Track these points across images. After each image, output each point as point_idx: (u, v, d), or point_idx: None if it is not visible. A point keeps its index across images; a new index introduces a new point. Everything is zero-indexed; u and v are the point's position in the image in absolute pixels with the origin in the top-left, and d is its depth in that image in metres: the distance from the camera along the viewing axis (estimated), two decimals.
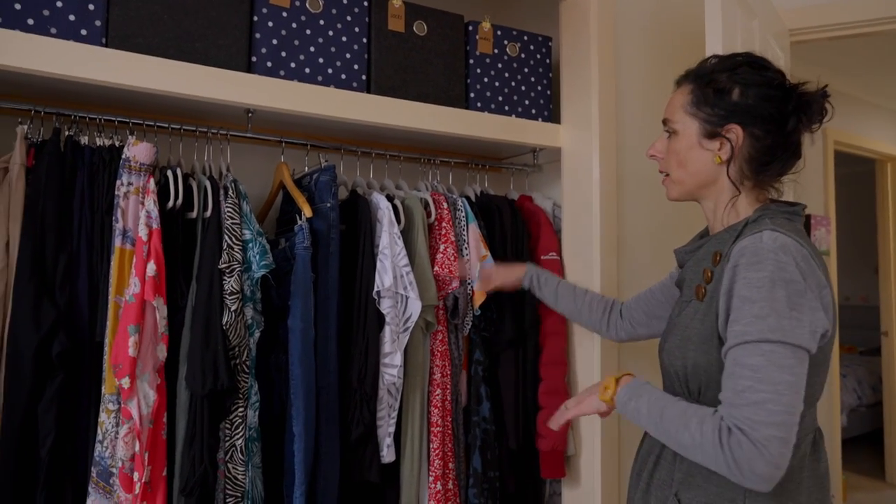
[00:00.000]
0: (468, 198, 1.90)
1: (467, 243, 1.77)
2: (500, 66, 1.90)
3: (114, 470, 1.33)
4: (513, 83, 1.92)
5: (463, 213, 1.80)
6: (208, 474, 1.37)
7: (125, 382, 1.29)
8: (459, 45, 1.83)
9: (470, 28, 1.86)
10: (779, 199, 1.10)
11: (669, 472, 1.04)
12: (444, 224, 1.75)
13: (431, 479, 1.67)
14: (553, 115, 1.99)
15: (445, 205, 1.78)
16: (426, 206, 1.76)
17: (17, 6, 1.29)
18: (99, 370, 1.35)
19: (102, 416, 1.33)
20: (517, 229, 1.90)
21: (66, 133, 1.41)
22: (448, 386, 1.72)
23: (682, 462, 1.03)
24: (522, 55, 1.94)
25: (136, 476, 1.31)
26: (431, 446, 1.69)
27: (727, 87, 1.06)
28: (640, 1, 1.99)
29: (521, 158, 2.15)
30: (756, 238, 0.96)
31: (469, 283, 1.75)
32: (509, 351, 1.82)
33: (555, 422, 1.18)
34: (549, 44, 2.00)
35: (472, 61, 1.86)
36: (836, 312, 1.00)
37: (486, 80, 1.87)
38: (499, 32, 1.90)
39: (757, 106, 1.04)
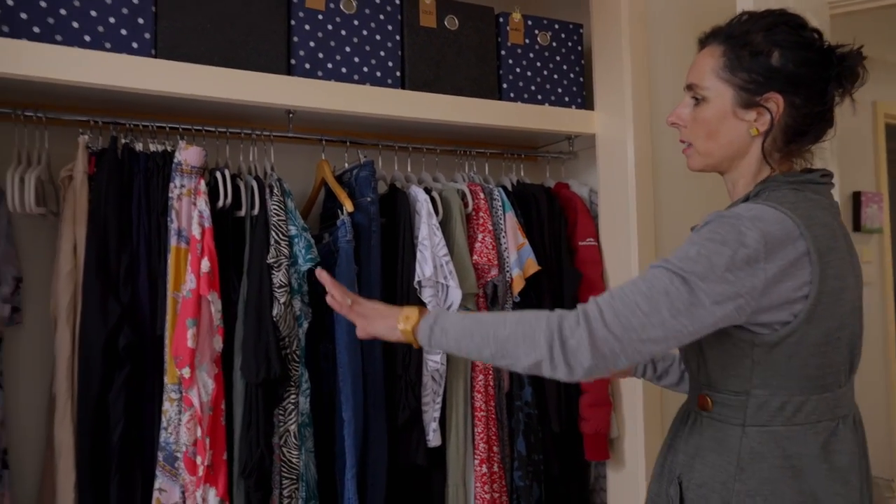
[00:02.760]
0: (505, 187, 1.94)
1: (505, 232, 1.81)
2: (531, 55, 1.92)
3: (178, 454, 1.42)
4: (545, 72, 1.94)
5: (500, 203, 1.83)
6: (265, 458, 1.45)
7: (185, 372, 1.38)
8: (491, 37, 1.86)
9: (500, 20, 1.89)
10: (805, 167, 1.03)
11: (676, 455, 1.04)
12: (481, 214, 1.79)
13: (477, 461, 1.72)
14: (586, 102, 2.00)
15: (482, 195, 1.82)
16: (463, 196, 1.80)
17: (75, 24, 1.39)
18: (161, 361, 1.45)
19: (166, 405, 1.42)
20: (554, 216, 1.92)
21: (123, 141, 1.50)
22: (490, 371, 1.77)
23: (686, 445, 1.02)
24: (553, 44, 1.96)
25: (198, 460, 1.40)
26: (476, 430, 1.74)
27: (765, 49, 0.96)
28: None
29: (557, 146, 2.16)
30: (736, 207, 0.94)
31: (508, 271, 1.79)
32: None
33: (334, 293, 1.10)
34: (581, 31, 2.01)
35: (503, 52, 1.89)
36: (850, 285, 0.94)
37: (518, 70, 1.90)
38: (529, 22, 1.92)
39: (798, 72, 0.95)
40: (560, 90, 1.96)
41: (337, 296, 1.09)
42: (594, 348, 0.86)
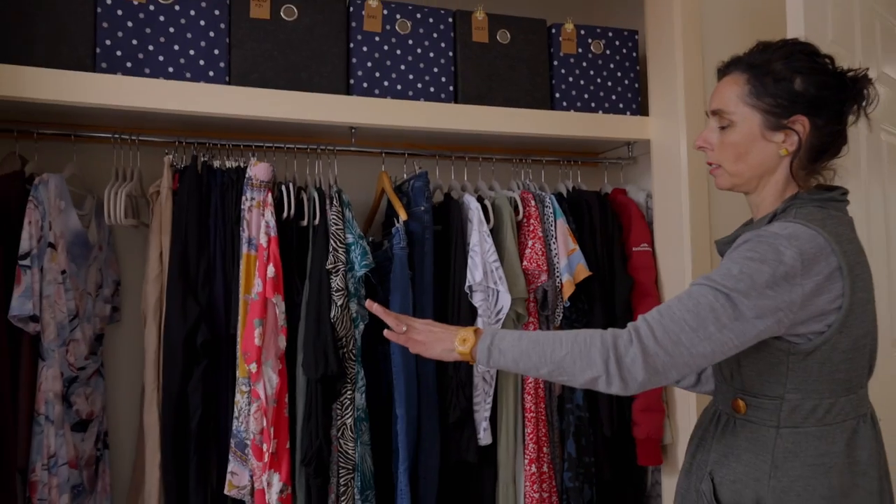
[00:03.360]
0: (560, 194, 1.98)
1: (555, 238, 1.85)
2: (584, 64, 1.95)
3: (247, 441, 1.57)
4: (598, 80, 1.97)
5: (551, 210, 1.88)
6: (323, 448, 1.58)
7: (253, 367, 1.53)
8: (543, 48, 1.91)
9: (553, 31, 1.94)
10: (823, 183, 1.08)
11: (707, 453, 1.08)
12: (531, 221, 1.85)
13: (526, 461, 1.78)
14: (642, 108, 2.01)
15: (533, 202, 1.87)
16: (514, 204, 1.87)
17: (161, 58, 1.57)
18: (234, 357, 1.61)
19: (237, 396, 1.58)
20: (606, 223, 1.94)
21: (202, 159, 1.68)
22: None
23: (718, 444, 1.06)
24: (607, 51, 1.98)
25: (264, 447, 1.55)
26: (526, 431, 1.79)
27: (787, 75, 1.03)
28: None
29: (616, 152, 2.18)
30: (770, 225, 0.98)
31: (558, 277, 1.83)
32: None
33: (389, 322, 1.14)
34: (635, 37, 2.02)
35: (556, 63, 1.93)
36: (873, 296, 1.00)
37: (570, 79, 1.94)
38: (582, 32, 1.96)
39: (820, 95, 1.02)
40: (614, 97, 1.98)
41: (391, 324, 1.14)
42: (647, 364, 0.93)
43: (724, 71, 1.12)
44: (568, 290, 1.81)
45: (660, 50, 1.92)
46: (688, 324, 0.93)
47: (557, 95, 1.93)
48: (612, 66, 1.98)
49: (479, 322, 1.72)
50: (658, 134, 1.94)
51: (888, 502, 1.01)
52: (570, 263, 1.83)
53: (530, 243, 1.82)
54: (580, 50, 1.95)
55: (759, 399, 1.03)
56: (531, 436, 1.78)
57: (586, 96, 1.95)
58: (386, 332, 1.16)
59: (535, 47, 1.90)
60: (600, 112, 1.96)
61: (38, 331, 1.46)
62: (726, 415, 1.08)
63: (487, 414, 1.74)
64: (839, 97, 1.03)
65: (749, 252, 0.95)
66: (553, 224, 1.86)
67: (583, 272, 1.83)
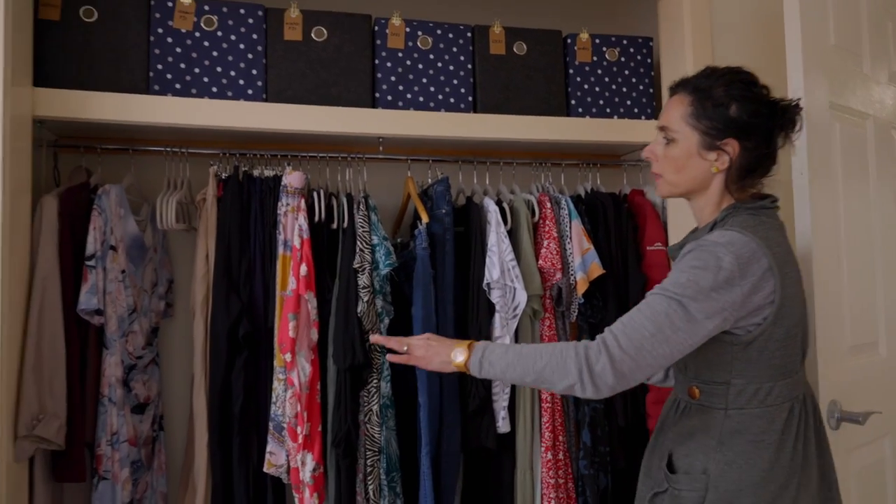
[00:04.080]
0: (578, 196, 2.08)
1: (570, 238, 1.95)
2: (599, 72, 2.05)
3: (284, 425, 1.73)
4: (613, 86, 2.05)
5: (566, 211, 1.98)
6: (351, 432, 1.73)
7: (288, 357, 1.69)
8: (558, 57, 2.02)
9: (568, 41, 2.04)
10: (758, 192, 1.21)
11: (667, 434, 1.21)
12: (547, 222, 1.95)
13: (543, 448, 1.89)
14: (657, 112, 2.08)
15: (549, 204, 1.98)
16: (531, 206, 1.97)
17: (205, 79, 1.75)
18: (271, 348, 1.77)
19: (275, 384, 1.74)
20: (621, 223, 2.03)
21: (243, 169, 1.85)
22: None
23: (676, 426, 1.19)
24: (622, 59, 2.07)
25: (298, 430, 1.70)
26: (542, 420, 1.90)
27: (724, 101, 1.16)
28: None
29: (635, 154, 2.26)
30: (710, 234, 1.12)
31: (572, 275, 1.93)
32: None
33: (389, 345, 1.27)
34: (650, 44, 2.10)
35: (571, 71, 2.03)
36: (801, 289, 1.14)
37: (585, 87, 2.03)
38: (597, 41, 2.05)
39: (751, 122, 1.15)
40: (629, 102, 2.07)
41: (393, 347, 1.27)
42: (615, 370, 1.06)
43: (674, 90, 1.25)
44: (582, 287, 1.91)
45: (672, 56, 2.00)
46: (647, 330, 1.06)
47: (573, 102, 2.02)
48: (626, 72, 2.07)
49: (497, 318, 1.84)
50: None
51: (801, 476, 1.11)
52: (584, 262, 1.93)
53: (545, 243, 1.93)
54: (595, 58, 2.05)
55: (709, 385, 1.16)
56: (547, 425, 1.89)
57: (601, 102, 2.04)
58: (389, 357, 1.29)
59: (550, 57, 2.00)
60: (615, 117, 2.05)
61: (102, 323, 1.66)
62: (684, 402, 1.22)
63: (506, 403, 1.86)
64: (769, 124, 1.16)
65: (693, 261, 1.08)
66: (568, 225, 1.96)
67: (597, 270, 1.92)
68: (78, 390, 1.61)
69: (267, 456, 1.74)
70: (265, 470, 1.73)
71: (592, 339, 1.97)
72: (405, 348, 1.26)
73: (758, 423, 1.11)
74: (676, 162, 1.20)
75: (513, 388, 1.88)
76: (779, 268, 1.09)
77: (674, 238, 2.01)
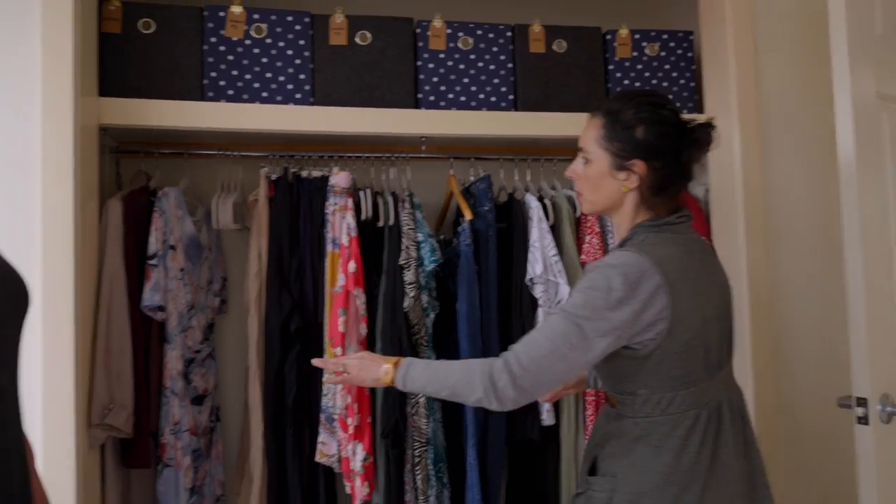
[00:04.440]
0: None
1: (612, 233, 1.97)
2: (639, 67, 2.05)
3: (335, 416, 1.80)
4: (654, 81, 2.06)
5: None
6: (399, 423, 1.79)
7: (338, 351, 1.75)
8: (598, 54, 2.03)
9: (608, 37, 2.05)
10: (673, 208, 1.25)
11: (594, 441, 1.29)
12: (589, 217, 1.97)
13: (587, 441, 1.91)
14: (698, 106, 2.08)
15: None
16: (572, 202, 2.00)
17: (256, 85, 1.82)
18: (322, 342, 1.84)
19: (325, 376, 1.81)
20: None
21: (292, 170, 1.92)
22: None
23: (601, 432, 1.27)
24: (662, 53, 2.07)
25: (349, 421, 1.77)
26: (586, 413, 1.93)
27: (632, 124, 1.21)
28: None
29: None
30: (606, 256, 1.22)
31: None
32: None
33: (328, 368, 1.35)
34: (691, 38, 2.09)
35: (611, 67, 2.04)
36: (702, 303, 1.18)
37: (626, 82, 2.04)
38: (637, 36, 2.06)
39: (657, 143, 1.21)
40: (671, 96, 2.05)
41: (332, 369, 1.35)
42: (515, 386, 1.14)
43: (592, 113, 1.29)
44: None
45: (714, 50, 1.99)
46: (545, 348, 1.15)
47: None
48: (667, 67, 2.07)
49: (540, 312, 1.87)
50: None
51: (707, 478, 1.15)
52: None
53: (588, 238, 1.95)
54: (635, 53, 2.05)
55: (622, 396, 1.22)
56: (591, 418, 1.91)
57: None
58: (326, 378, 1.38)
59: (590, 54, 2.02)
60: None
61: (164, 319, 1.75)
62: (608, 409, 1.30)
63: None
64: (676, 145, 1.21)
65: (588, 282, 1.17)
66: (610, 219, 1.98)
67: None
68: (143, 382, 1.71)
69: (319, 446, 1.81)
70: (317, 459, 1.81)
71: None
72: (341, 368, 1.33)
73: (660, 430, 1.17)
74: (592, 181, 1.27)
75: None
76: (671, 285, 1.14)
77: (717, 231, 2.00)
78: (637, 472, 1.17)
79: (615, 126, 1.23)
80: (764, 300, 1.92)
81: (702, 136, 1.22)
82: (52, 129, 1.50)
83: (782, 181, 1.96)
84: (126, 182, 1.92)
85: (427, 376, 1.24)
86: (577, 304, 1.15)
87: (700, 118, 1.24)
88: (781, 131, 1.96)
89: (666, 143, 1.21)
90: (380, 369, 1.28)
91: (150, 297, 1.69)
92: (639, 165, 1.21)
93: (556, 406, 1.92)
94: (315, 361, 1.38)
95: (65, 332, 1.48)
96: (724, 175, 1.96)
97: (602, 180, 1.25)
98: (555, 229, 1.96)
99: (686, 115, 1.26)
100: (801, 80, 1.99)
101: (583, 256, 1.94)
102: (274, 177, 1.92)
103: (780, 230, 1.95)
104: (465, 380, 1.19)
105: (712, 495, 1.15)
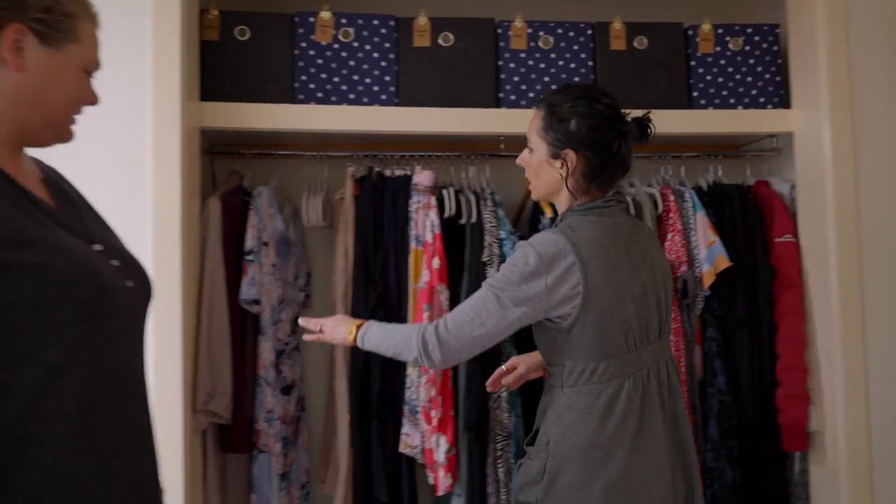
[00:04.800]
0: (701, 188, 2.07)
1: (695, 230, 1.95)
2: (722, 62, 2.03)
3: (418, 408, 1.85)
4: (737, 76, 2.03)
5: (690, 204, 1.97)
6: (481, 417, 1.82)
7: None
8: (679, 50, 2.01)
9: (689, 32, 2.03)
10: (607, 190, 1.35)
11: (539, 413, 1.38)
12: (671, 215, 1.96)
13: None
14: (784, 100, 2.03)
15: (672, 197, 1.98)
16: (654, 200, 1.99)
17: (344, 87, 1.89)
18: None
19: (409, 370, 1.86)
20: (747, 215, 2.00)
21: (376, 169, 1.98)
22: (682, 358, 1.92)
23: (541, 405, 1.36)
24: (747, 47, 2.03)
25: (432, 413, 1.81)
26: None
27: (567, 117, 1.31)
28: None
29: (760, 144, 2.21)
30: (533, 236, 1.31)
31: (698, 267, 1.92)
32: (743, 328, 1.95)
33: (309, 327, 1.49)
34: (776, 31, 2.05)
35: (693, 63, 2.02)
36: (620, 278, 1.26)
37: (708, 77, 2.02)
38: (720, 31, 2.03)
39: (587, 135, 1.30)
40: (755, 92, 2.03)
41: (311, 327, 1.49)
42: (442, 348, 1.29)
43: (537, 105, 1.39)
44: (708, 280, 1.90)
45: (802, 42, 1.94)
46: (468, 315, 1.29)
47: (696, 94, 2.02)
48: (751, 61, 2.03)
49: None
50: (801, 126, 1.96)
51: (633, 442, 1.23)
52: (710, 254, 1.92)
53: (670, 236, 1.94)
54: (718, 48, 2.03)
55: (552, 367, 1.33)
56: None
57: (725, 93, 2.02)
58: (305, 336, 1.52)
59: (671, 50, 2.01)
60: (740, 108, 2.02)
61: (258, 311, 1.84)
62: (545, 382, 1.40)
63: None
64: (607, 136, 1.30)
65: (511, 259, 1.30)
66: (692, 217, 1.96)
67: (723, 262, 1.91)
68: (239, 372, 1.80)
69: (402, 437, 1.86)
70: (401, 450, 1.86)
71: (719, 335, 1.96)
72: (319, 328, 1.49)
73: (585, 399, 1.26)
74: (534, 169, 1.38)
75: None
76: (583, 263, 1.24)
77: (805, 230, 1.96)
78: (566, 439, 1.26)
79: (552, 118, 1.33)
80: (854, 302, 1.85)
81: (633, 129, 1.33)
82: (162, 131, 1.61)
83: (873, 181, 1.89)
84: (220, 181, 2.02)
85: (378, 337, 1.40)
86: (498, 277, 1.30)
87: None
88: (872, 129, 1.90)
89: (597, 135, 1.30)
90: (346, 329, 1.44)
91: (247, 290, 1.78)
92: (570, 155, 1.31)
93: None
94: (301, 320, 1.52)
95: (173, 322, 1.58)
96: (812, 172, 1.91)
97: (541, 168, 1.37)
98: None
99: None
100: (894, 76, 1.92)
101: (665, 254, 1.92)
102: (359, 175, 1.98)
103: (872, 228, 1.88)
104: (405, 341, 1.34)
105: (638, 458, 1.23)
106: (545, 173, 1.37)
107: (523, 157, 1.42)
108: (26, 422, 0.80)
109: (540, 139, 1.36)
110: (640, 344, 1.29)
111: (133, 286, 0.94)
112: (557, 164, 1.33)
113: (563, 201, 1.37)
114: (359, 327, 1.44)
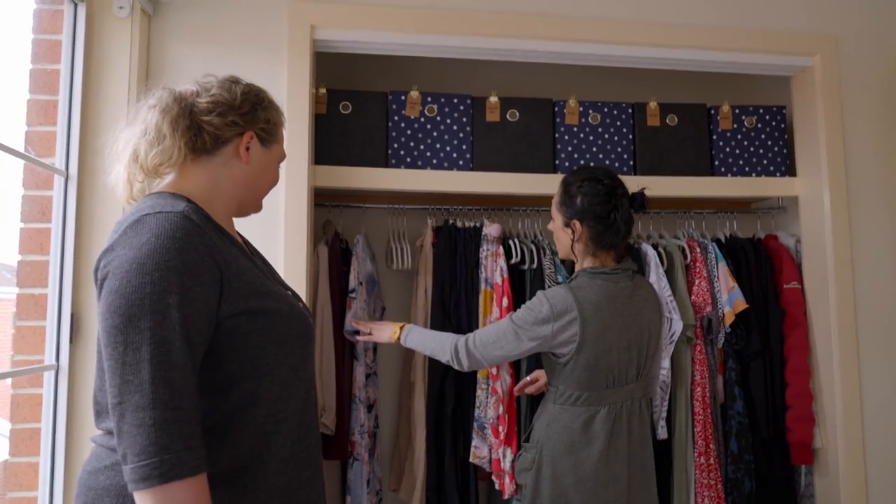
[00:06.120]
0: (719, 240, 2.45)
1: (717, 277, 2.32)
2: (739, 137, 2.43)
3: (486, 425, 2.18)
4: (751, 148, 2.43)
5: (713, 255, 2.36)
6: None
7: (493, 371, 2.15)
8: (703, 127, 2.42)
9: (711, 111, 2.43)
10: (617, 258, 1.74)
11: (536, 415, 1.79)
12: (697, 264, 2.34)
13: (696, 454, 2.25)
14: (790, 169, 2.44)
15: (698, 249, 2.36)
16: (683, 251, 2.37)
17: (428, 154, 2.27)
18: None
19: (478, 391, 2.20)
20: (760, 264, 2.39)
21: (451, 221, 2.35)
22: (706, 385, 2.29)
23: (539, 409, 1.78)
24: (759, 125, 2.44)
25: (500, 429, 2.15)
26: (695, 429, 2.26)
27: (575, 194, 1.70)
28: (872, 69, 2.35)
29: (768, 202, 2.61)
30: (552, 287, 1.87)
31: (720, 308, 2.30)
32: (758, 360, 2.31)
33: (362, 328, 2.02)
34: (784, 111, 2.46)
35: (714, 137, 2.42)
36: (611, 336, 1.64)
37: (727, 149, 2.42)
38: (736, 111, 2.44)
39: (589, 208, 1.68)
40: (766, 161, 2.43)
41: (362, 328, 1.98)
42: (469, 357, 1.74)
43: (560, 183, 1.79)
44: (728, 319, 2.27)
45: (805, 122, 2.35)
46: (492, 338, 1.71)
47: (717, 163, 2.41)
48: (763, 136, 2.44)
49: None
50: (805, 191, 2.36)
51: (600, 454, 1.63)
52: (730, 298, 2.29)
53: (697, 282, 2.31)
54: (735, 125, 2.43)
55: (550, 386, 1.74)
56: (700, 433, 2.25)
57: (741, 163, 2.42)
58: (357, 337, 2.03)
59: (697, 127, 2.41)
60: (753, 175, 2.42)
61: (357, 341, 2.19)
62: (545, 394, 1.79)
63: (664, 414, 2.24)
64: (605, 209, 1.67)
65: (530, 304, 1.69)
66: (715, 266, 2.34)
67: (741, 305, 2.29)
68: (340, 391, 2.13)
69: (472, 449, 2.19)
70: (471, 460, 2.19)
71: (738, 366, 2.32)
72: (369, 331, 1.97)
73: (568, 416, 1.66)
74: (555, 234, 1.79)
75: (670, 402, 2.26)
76: (583, 319, 1.61)
77: (809, 278, 2.34)
78: (550, 443, 1.67)
79: (565, 195, 1.73)
80: (849, 339, 2.23)
81: (625, 204, 1.69)
82: (292, 190, 1.97)
83: (867, 237, 2.29)
84: (317, 229, 2.38)
85: (418, 339, 1.85)
86: (519, 315, 1.68)
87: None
88: (866, 191, 2.30)
89: (597, 209, 1.68)
90: (391, 330, 1.90)
91: (349, 323, 2.13)
92: (576, 224, 1.69)
93: (669, 422, 2.26)
94: (353, 321, 2.03)
95: None
96: (814, 230, 2.31)
97: (559, 234, 1.76)
98: (668, 273, 2.33)
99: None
100: (884, 145, 2.33)
101: (693, 297, 2.30)
102: (436, 225, 2.35)
103: (865, 277, 2.27)
104: (440, 346, 1.78)
105: (601, 467, 1.63)
106: (562, 239, 1.76)
107: (548, 225, 1.84)
108: (270, 421, 1.12)
109: (557, 211, 1.76)
110: (618, 383, 1.67)
111: (312, 322, 1.27)
112: (569, 231, 1.72)
113: (578, 263, 1.75)
114: (402, 328, 1.88)
